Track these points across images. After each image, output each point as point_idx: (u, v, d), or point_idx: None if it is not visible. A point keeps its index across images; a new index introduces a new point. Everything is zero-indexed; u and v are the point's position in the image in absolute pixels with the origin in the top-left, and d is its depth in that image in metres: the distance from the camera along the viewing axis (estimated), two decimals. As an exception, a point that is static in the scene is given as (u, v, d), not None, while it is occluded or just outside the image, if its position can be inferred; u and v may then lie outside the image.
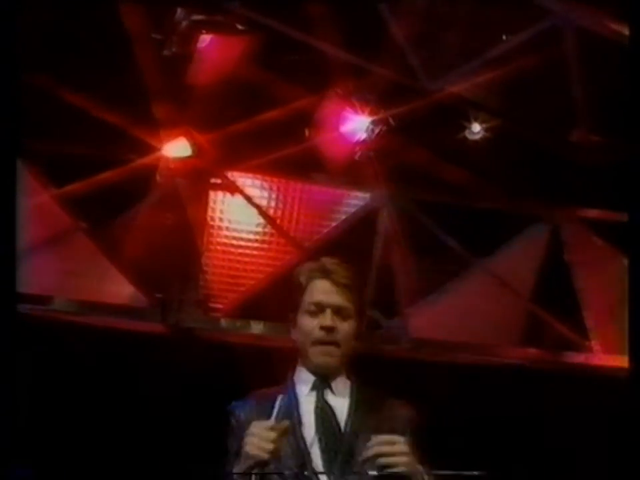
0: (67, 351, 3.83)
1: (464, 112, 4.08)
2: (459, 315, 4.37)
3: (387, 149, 4.11)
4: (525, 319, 4.49)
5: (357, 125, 3.98)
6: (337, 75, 3.81)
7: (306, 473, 1.96)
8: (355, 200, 4.38)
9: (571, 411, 4.27)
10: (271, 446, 1.87)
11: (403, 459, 1.88)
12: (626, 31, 3.29)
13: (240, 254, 4.21)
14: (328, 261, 2.14)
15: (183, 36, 3.56)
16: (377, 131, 3.99)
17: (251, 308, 4.19)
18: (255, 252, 4.22)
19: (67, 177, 3.90)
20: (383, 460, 1.87)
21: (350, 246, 4.22)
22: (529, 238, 4.57)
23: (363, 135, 4.00)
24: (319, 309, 2.09)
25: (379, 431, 1.96)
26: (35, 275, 3.72)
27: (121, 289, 3.98)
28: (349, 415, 2.05)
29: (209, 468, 2.24)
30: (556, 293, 4.51)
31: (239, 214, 4.20)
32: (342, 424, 2.03)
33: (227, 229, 4.20)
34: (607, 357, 4.43)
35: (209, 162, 4.05)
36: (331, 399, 2.08)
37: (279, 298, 3.96)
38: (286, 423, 1.91)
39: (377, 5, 3.53)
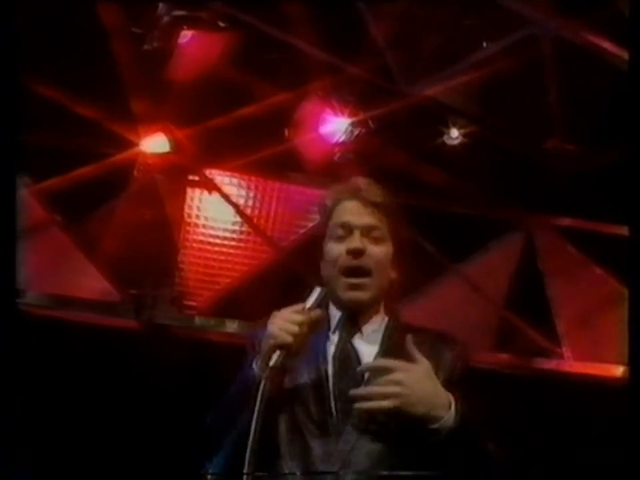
0: (37, 346, 3.80)
1: (443, 117, 4.11)
2: (432, 318, 4.38)
3: (365, 150, 4.13)
4: (498, 324, 4.52)
5: (336, 126, 4.00)
6: (317, 75, 3.82)
7: (329, 426, 1.70)
8: (333, 201, 4.38)
9: (541, 417, 4.30)
10: (296, 328, 1.65)
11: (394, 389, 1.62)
12: (602, 42, 3.34)
13: (216, 252, 4.20)
14: (358, 180, 1.89)
15: (164, 31, 3.56)
16: (356, 132, 4.01)
17: (225, 306, 4.17)
18: (231, 250, 4.22)
19: (43, 171, 3.87)
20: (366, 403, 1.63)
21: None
22: (504, 244, 4.60)
23: (342, 137, 4.02)
24: (347, 231, 1.81)
25: None
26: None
27: (95, 284, 3.95)
28: (375, 358, 1.77)
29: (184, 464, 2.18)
30: (529, 299, 4.54)
31: (215, 212, 4.19)
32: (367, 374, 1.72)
33: (204, 226, 4.18)
34: (578, 363, 4.47)
35: (187, 158, 4.04)
36: (359, 342, 1.79)
37: (254, 297, 3.97)
38: (318, 311, 1.70)
39: (357, 5, 3.54)
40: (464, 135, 4.11)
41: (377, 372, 1.68)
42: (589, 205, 4.31)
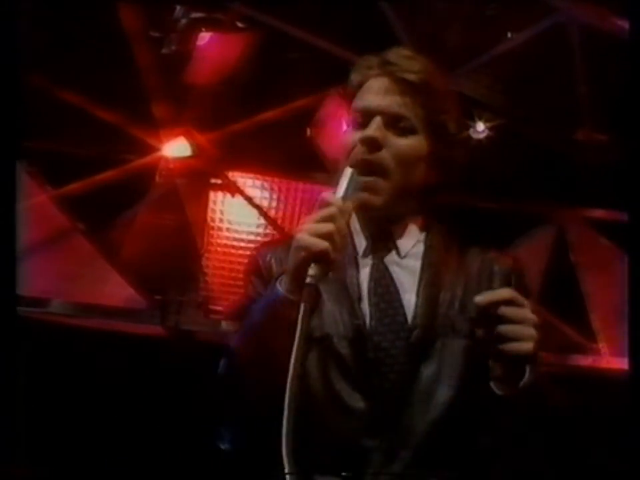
0: (64, 354, 3.79)
1: (468, 111, 4.04)
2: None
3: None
4: (531, 321, 4.45)
5: (359, 124, 3.94)
6: (339, 74, 3.76)
7: (370, 384, 1.35)
8: (358, 200, 4.34)
9: (578, 415, 4.22)
10: (331, 227, 1.26)
11: (532, 332, 1.25)
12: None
13: (241, 255, 4.16)
14: (395, 51, 1.51)
15: (182, 34, 3.53)
16: (379, 130, 3.95)
17: (252, 310, 4.14)
18: (255, 253, 4.18)
19: (64, 177, 3.87)
20: (505, 330, 1.22)
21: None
22: (534, 239, 4.53)
23: (365, 135, 3.96)
24: (366, 116, 1.42)
25: (464, 305, 1.38)
26: (31, 277, 3.67)
27: (119, 291, 3.94)
28: (418, 289, 1.40)
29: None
30: (562, 294, 4.46)
31: (239, 215, 4.16)
32: (408, 308, 1.38)
33: (228, 229, 4.16)
34: (615, 359, 4.38)
35: (209, 162, 4.01)
36: (394, 266, 1.43)
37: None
38: (355, 197, 1.32)
39: (379, 2, 3.48)
40: (490, 129, 4.04)
41: (493, 306, 1.25)
42: (620, 196, 4.21)
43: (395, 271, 1.43)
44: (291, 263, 1.31)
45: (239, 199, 4.15)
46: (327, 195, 1.33)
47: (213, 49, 3.59)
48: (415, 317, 1.39)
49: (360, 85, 1.48)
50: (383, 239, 1.46)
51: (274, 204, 4.22)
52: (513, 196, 4.45)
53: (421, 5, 3.56)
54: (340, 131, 3.96)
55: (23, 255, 3.62)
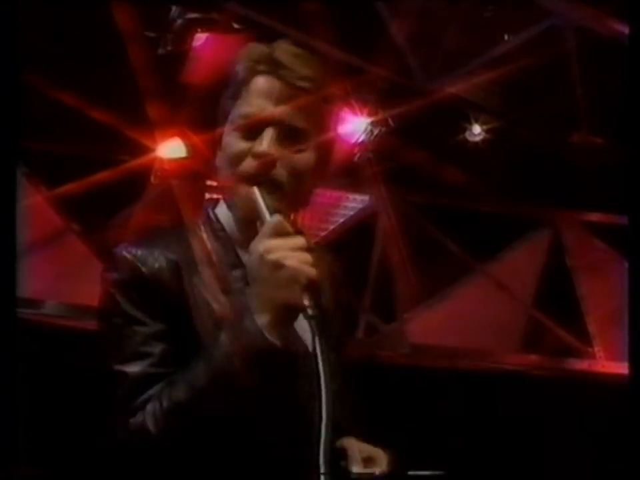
0: (58, 356, 3.77)
1: (464, 113, 4.04)
2: (458, 320, 4.31)
3: (386, 150, 4.06)
4: (526, 324, 4.44)
5: (356, 126, 3.93)
6: (335, 75, 3.75)
7: None
8: (354, 202, 4.33)
9: (573, 418, 4.21)
10: (308, 255, 1.21)
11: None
12: (626, 30, 3.24)
13: (236, 257, 4.15)
14: (283, 48, 1.35)
15: (178, 34, 3.51)
16: (376, 132, 3.94)
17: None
18: (251, 255, 4.16)
19: (59, 178, 3.85)
20: None
21: (348, 249, 4.16)
22: (530, 242, 4.52)
23: (361, 136, 3.95)
24: (256, 125, 1.31)
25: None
26: (25, 278, 3.65)
27: (114, 293, 3.91)
28: None
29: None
30: (558, 298, 4.45)
31: (234, 216, 4.14)
32: None
33: (222, 231, 4.13)
34: (610, 363, 4.37)
35: (204, 163, 4.00)
36: None
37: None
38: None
39: (374, 3, 3.47)
40: (486, 131, 4.04)
41: None
42: (616, 199, 4.21)
43: None
44: (283, 295, 1.21)
45: (234, 201, 4.13)
46: (280, 221, 1.25)
47: (208, 49, 3.57)
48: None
49: (245, 81, 1.35)
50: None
51: (269, 205, 4.20)
52: (509, 199, 4.44)
53: (417, 6, 3.55)
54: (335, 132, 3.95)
55: (17, 255, 3.60)
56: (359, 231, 4.29)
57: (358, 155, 4.03)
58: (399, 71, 3.76)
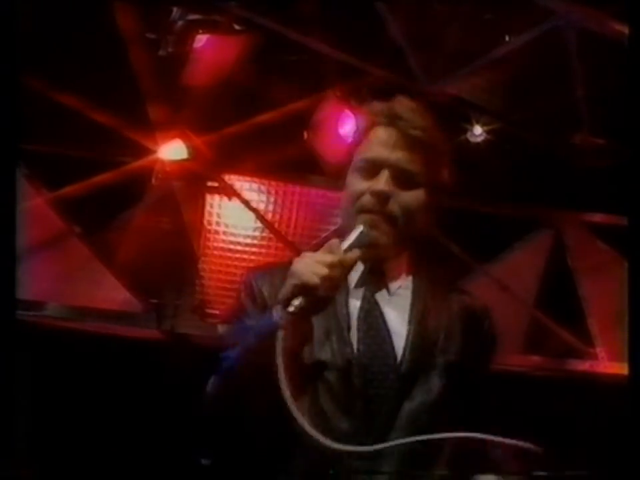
0: (60, 358, 3.77)
1: (465, 114, 4.03)
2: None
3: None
4: (528, 325, 4.43)
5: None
6: (335, 76, 3.75)
7: (356, 409, 1.46)
8: (355, 204, 4.32)
9: (575, 419, 4.20)
10: (325, 271, 1.37)
11: None
12: (627, 31, 3.23)
13: (237, 258, 4.15)
14: (402, 103, 1.59)
15: (179, 36, 3.51)
16: (376, 133, 3.94)
17: (248, 314, 4.12)
18: (252, 257, 4.16)
19: (60, 180, 3.85)
20: None
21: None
22: (531, 243, 4.52)
23: (362, 138, 3.95)
24: (374, 167, 1.54)
25: (446, 345, 1.51)
26: (27, 280, 3.65)
27: (115, 294, 3.92)
28: (408, 327, 1.51)
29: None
30: (559, 299, 4.45)
31: (236, 218, 4.14)
32: (396, 341, 1.50)
33: (224, 233, 4.14)
34: (612, 364, 4.36)
35: (205, 164, 4.00)
36: (384, 302, 1.54)
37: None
38: (356, 253, 1.44)
39: (375, 4, 3.47)
40: (488, 132, 4.03)
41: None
42: (618, 200, 4.20)
43: (384, 306, 1.55)
44: (283, 290, 1.42)
45: (235, 202, 4.13)
46: (334, 241, 1.45)
47: (209, 51, 3.57)
48: (403, 351, 1.50)
49: (367, 131, 1.58)
50: (374, 275, 1.58)
51: (271, 207, 4.20)
52: (511, 200, 4.44)
53: (418, 7, 3.54)
54: (337, 134, 3.95)
55: (18, 257, 3.60)
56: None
57: (359, 156, 4.03)
58: (400, 72, 3.76)
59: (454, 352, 1.52)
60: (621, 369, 4.28)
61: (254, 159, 4.02)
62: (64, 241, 3.91)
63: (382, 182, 1.53)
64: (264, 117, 3.78)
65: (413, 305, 1.56)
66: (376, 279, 1.57)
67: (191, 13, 3.48)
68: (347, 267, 1.44)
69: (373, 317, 1.53)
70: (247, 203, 4.14)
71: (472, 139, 4.06)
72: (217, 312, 4.12)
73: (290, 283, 1.40)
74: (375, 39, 3.61)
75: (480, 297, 1.67)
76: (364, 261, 1.54)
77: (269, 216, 4.19)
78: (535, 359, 4.37)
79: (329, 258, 1.40)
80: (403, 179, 1.54)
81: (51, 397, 3.76)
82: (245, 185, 4.17)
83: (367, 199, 1.54)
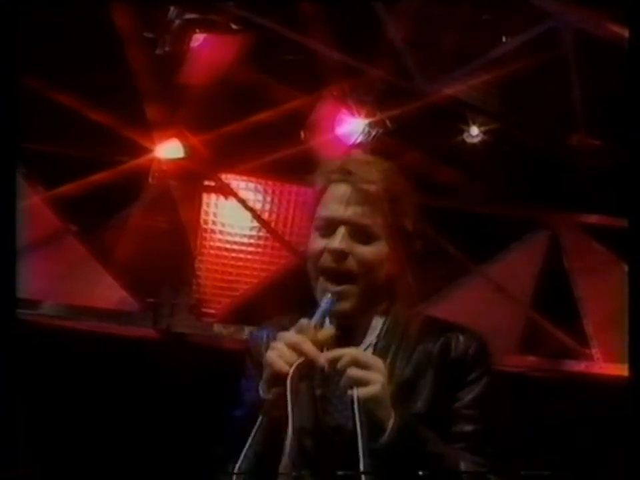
0: (55, 357, 3.77)
1: (462, 115, 4.03)
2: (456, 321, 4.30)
3: (383, 151, 4.05)
4: (524, 326, 4.43)
5: (353, 127, 3.93)
6: (333, 76, 3.75)
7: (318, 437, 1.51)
8: (351, 204, 4.32)
9: (570, 420, 4.20)
10: (295, 357, 1.41)
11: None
12: (626, 33, 3.23)
13: (233, 258, 4.15)
14: (355, 158, 1.62)
15: (176, 35, 3.50)
16: (373, 133, 3.94)
17: (244, 313, 4.12)
18: (248, 256, 4.16)
19: (57, 179, 3.84)
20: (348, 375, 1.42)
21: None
22: (528, 244, 4.52)
23: (359, 137, 3.95)
24: (331, 225, 1.53)
25: (418, 389, 1.51)
26: (23, 279, 3.64)
27: (111, 293, 3.91)
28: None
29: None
30: (555, 299, 4.45)
31: (232, 217, 4.14)
32: None
33: (221, 232, 4.13)
34: (608, 365, 4.36)
35: (202, 164, 3.99)
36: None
37: (273, 303, 3.91)
38: (328, 330, 1.47)
39: (373, 5, 3.47)
40: (484, 133, 4.03)
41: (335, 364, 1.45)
42: (614, 201, 4.21)
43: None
44: (264, 375, 1.47)
45: (232, 201, 4.13)
46: (304, 322, 1.47)
47: (206, 50, 3.56)
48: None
49: (323, 190, 1.58)
50: (344, 337, 1.55)
51: (267, 206, 4.20)
52: (507, 201, 4.44)
53: (415, 8, 3.55)
54: (333, 134, 3.95)
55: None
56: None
57: (356, 156, 4.03)
58: (397, 73, 3.76)
59: (422, 403, 1.51)
60: (616, 369, 4.29)
61: (251, 158, 4.02)
62: (60, 240, 3.90)
63: (338, 240, 1.52)
64: (261, 117, 3.77)
65: (376, 342, 1.57)
66: (345, 341, 1.53)
67: (188, 12, 3.48)
68: (321, 345, 1.45)
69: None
70: (243, 202, 4.14)
71: (469, 140, 4.06)
72: (213, 311, 4.12)
73: (266, 372, 1.45)
74: (373, 39, 3.62)
75: (468, 325, 1.65)
76: (334, 321, 1.56)
77: (266, 215, 4.19)
78: (531, 359, 4.38)
79: (300, 341, 1.43)
80: (360, 234, 1.53)
81: (46, 395, 3.76)
82: (242, 184, 4.17)
83: (325, 258, 1.53)
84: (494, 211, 4.44)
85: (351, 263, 1.52)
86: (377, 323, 1.58)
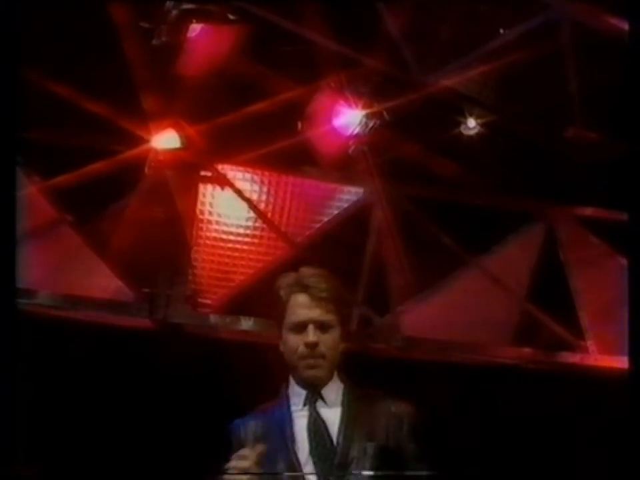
0: (51, 347, 3.77)
1: (459, 107, 4.03)
2: (452, 313, 4.32)
3: (380, 143, 4.05)
4: (519, 318, 4.44)
5: (350, 118, 3.93)
6: (330, 67, 3.75)
7: None
8: (348, 195, 4.32)
9: (565, 412, 4.22)
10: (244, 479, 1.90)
11: None
12: (623, 25, 3.23)
13: (230, 248, 4.15)
14: (306, 273, 2.18)
15: (173, 25, 3.50)
16: (370, 124, 3.94)
17: (240, 304, 4.12)
18: (245, 247, 4.16)
19: (53, 168, 3.84)
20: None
21: (342, 242, 4.17)
22: (524, 236, 4.53)
23: (356, 129, 3.94)
24: (302, 325, 2.13)
25: (373, 435, 2.06)
26: (18, 269, 3.64)
27: (107, 283, 3.91)
28: (341, 424, 2.10)
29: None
30: (551, 291, 4.46)
31: (229, 208, 4.14)
32: (334, 436, 2.08)
33: (217, 222, 4.13)
34: (603, 357, 4.38)
35: (198, 154, 3.99)
36: (323, 410, 2.12)
37: (269, 294, 3.91)
38: (259, 447, 1.96)
39: (370, -4, 3.47)
40: (481, 125, 4.03)
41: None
42: (610, 194, 4.21)
43: (325, 413, 2.12)
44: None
45: (228, 192, 4.12)
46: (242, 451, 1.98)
47: (203, 40, 3.56)
48: (339, 453, 2.06)
49: (287, 298, 2.13)
50: (314, 395, 2.13)
51: (263, 197, 4.20)
52: (504, 193, 4.44)
53: (413, 0, 3.54)
54: (330, 125, 3.95)
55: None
56: (353, 224, 4.29)
57: (352, 147, 4.03)
58: (394, 64, 3.75)
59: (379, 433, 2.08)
60: (611, 362, 4.31)
61: (247, 149, 4.02)
62: (56, 230, 3.90)
63: (310, 335, 2.11)
64: (257, 107, 3.77)
65: (342, 409, 2.13)
66: (315, 398, 2.12)
67: (185, 3, 3.47)
68: (259, 458, 1.94)
69: (317, 425, 2.09)
70: (239, 193, 4.14)
71: (465, 132, 4.06)
72: (209, 301, 4.12)
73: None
74: (370, 30, 3.61)
75: (405, 400, 2.17)
76: (306, 387, 2.13)
77: (262, 206, 4.19)
78: (526, 351, 4.39)
79: (244, 464, 1.92)
80: (323, 327, 2.13)
81: (43, 386, 3.76)
82: (238, 175, 4.16)
83: (302, 349, 2.12)
84: (490, 203, 4.44)
85: (321, 349, 2.12)
86: (337, 389, 2.15)
